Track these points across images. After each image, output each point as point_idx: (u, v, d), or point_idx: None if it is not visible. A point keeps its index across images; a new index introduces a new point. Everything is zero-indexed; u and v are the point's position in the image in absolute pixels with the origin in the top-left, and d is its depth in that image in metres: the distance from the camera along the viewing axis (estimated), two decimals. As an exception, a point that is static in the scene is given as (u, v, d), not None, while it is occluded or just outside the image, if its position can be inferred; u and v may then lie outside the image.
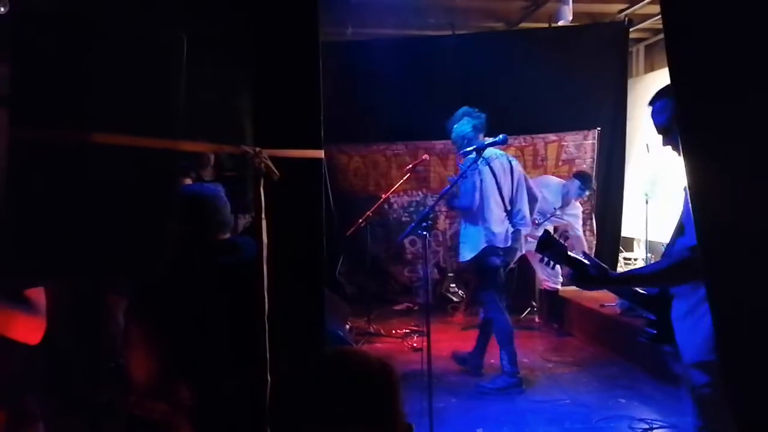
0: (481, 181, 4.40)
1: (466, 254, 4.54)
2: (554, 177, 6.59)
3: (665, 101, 2.19)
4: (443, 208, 6.75)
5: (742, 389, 1.18)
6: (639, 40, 8.18)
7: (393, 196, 7.05)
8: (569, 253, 2.22)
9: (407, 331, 6.05)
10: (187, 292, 1.98)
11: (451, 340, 5.50)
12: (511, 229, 4.51)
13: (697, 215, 1.31)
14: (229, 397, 1.87)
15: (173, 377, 1.95)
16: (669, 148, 2.20)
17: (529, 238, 4.84)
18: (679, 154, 2.18)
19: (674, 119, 2.15)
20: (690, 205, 2.05)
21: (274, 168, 1.79)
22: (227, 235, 2.21)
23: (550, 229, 5.19)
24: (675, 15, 1.28)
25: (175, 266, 2.04)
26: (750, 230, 1.20)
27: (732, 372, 1.22)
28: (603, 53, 7.16)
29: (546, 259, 2.28)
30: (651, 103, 2.26)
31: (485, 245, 4.43)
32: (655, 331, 2.30)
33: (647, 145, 6.49)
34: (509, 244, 4.50)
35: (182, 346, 1.94)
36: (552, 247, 2.26)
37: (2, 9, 3.93)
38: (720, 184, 1.24)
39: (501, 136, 3.91)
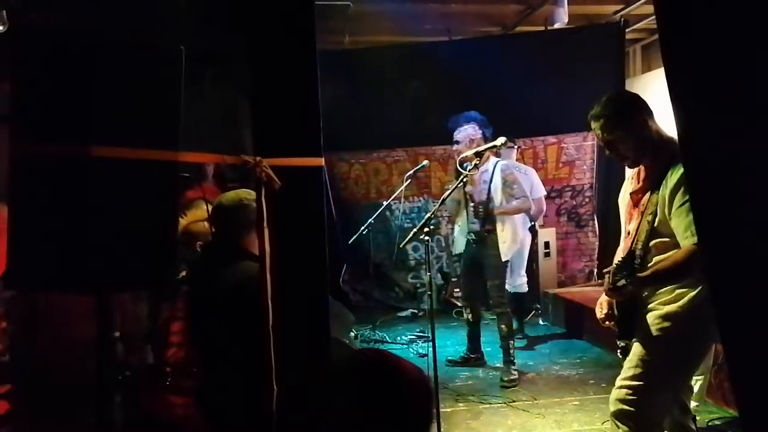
0: None
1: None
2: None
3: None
4: (445, 213, 6.74)
5: (748, 383, 1.18)
6: (635, 41, 8.19)
7: (395, 203, 7.05)
8: None
9: (412, 337, 6.04)
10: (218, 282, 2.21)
11: (457, 345, 5.48)
12: None
13: (697, 210, 1.30)
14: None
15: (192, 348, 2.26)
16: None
17: None
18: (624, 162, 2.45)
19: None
20: (674, 205, 2.15)
21: (274, 177, 1.80)
22: None
23: None
24: (669, 15, 1.29)
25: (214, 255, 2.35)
26: (753, 225, 1.20)
27: (737, 366, 1.21)
28: (600, 54, 7.16)
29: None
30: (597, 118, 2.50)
31: None
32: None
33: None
34: None
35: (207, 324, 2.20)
36: None
37: (1, 27, 3.93)
38: (721, 181, 1.24)
39: (500, 138, 3.92)
